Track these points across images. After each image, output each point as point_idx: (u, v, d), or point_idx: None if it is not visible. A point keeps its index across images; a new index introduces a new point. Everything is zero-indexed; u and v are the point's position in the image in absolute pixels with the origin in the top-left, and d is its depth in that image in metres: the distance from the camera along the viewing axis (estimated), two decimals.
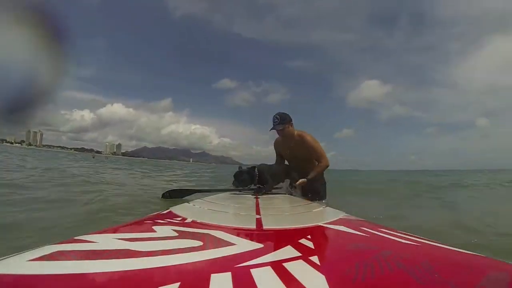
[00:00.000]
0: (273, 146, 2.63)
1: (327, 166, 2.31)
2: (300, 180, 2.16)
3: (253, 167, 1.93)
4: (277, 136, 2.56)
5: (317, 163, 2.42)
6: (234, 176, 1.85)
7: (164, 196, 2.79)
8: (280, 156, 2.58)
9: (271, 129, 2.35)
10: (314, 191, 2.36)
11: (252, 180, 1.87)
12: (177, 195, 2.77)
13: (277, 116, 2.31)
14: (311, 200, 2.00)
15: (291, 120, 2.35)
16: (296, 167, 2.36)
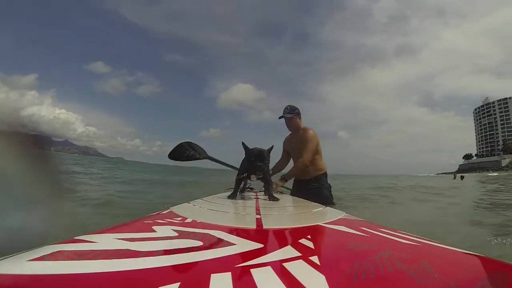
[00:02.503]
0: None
1: (305, 166, 2.24)
2: (276, 182, 2.05)
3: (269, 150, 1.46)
4: (285, 135, 2.55)
5: (317, 159, 2.35)
6: (250, 155, 1.41)
7: (171, 156, 2.10)
8: (286, 153, 2.56)
9: (280, 117, 2.37)
10: (321, 197, 2.25)
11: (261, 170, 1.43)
12: (184, 153, 2.09)
13: (288, 106, 2.35)
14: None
15: (300, 114, 2.37)
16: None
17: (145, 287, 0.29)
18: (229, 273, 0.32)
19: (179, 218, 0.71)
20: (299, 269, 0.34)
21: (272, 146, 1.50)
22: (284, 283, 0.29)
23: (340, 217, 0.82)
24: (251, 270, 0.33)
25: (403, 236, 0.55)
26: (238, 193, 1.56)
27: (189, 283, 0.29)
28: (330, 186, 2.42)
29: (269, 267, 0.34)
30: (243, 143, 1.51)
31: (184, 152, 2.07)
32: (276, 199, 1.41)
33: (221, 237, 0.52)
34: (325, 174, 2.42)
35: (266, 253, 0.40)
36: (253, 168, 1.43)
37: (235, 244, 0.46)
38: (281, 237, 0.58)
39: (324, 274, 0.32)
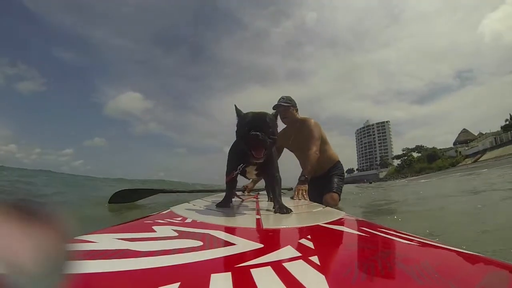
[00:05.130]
0: None
1: (317, 157, 1.90)
2: (301, 187, 1.62)
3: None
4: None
5: (328, 150, 2.15)
6: (243, 123, 0.92)
7: (112, 200, 1.96)
8: (276, 150, 2.26)
9: (274, 106, 2.04)
10: (330, 185, 2.05)
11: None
12: (130, 197, 2.03)
13: (284, 96, 2.11)
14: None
15: (296, 106, 2.14)
16: (302, 161, 2.01)
17: (145, 287, 0.29)
18: (229, 273, 0.32)
19: (179, 218, 0.71)
20: (299, 269, 0.34)
21: (277, 111, 1.02)
22: (284, 283, 0.29)
23: (340, 217, 0.82)
24: (251, 270, 0.33)
25: (403, 236, 0.55)
26: (232, 199, 1.10)
27: (189, 283, 0.29)
28: (344, 174, 2.23)
29: (269, 267, 0.34)
30: (235, 106, 0.99)
31: (129, 195, 2.01)
32: (289, 211, 0.90)
33: (221, 237, 0.52)
34: (339, 162, 2.24)
35: (266, 253, 0.40)
36: (251, 143, 0.87)
37: (235, 244, 0.46)
38: (281, 237, 0.58)
39: (324, 274, 0.32)
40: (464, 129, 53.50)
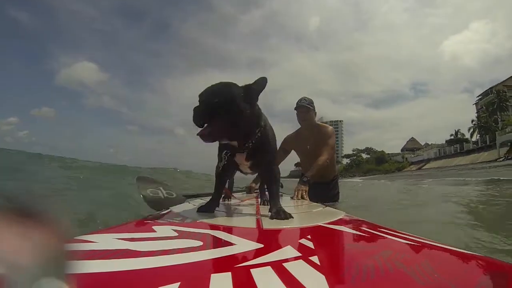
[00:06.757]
0: None
1: (326, 165, 1.90)
2: (301, 188, 1.61)
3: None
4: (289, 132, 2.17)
5: (334, 159, 2.14)
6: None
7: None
8: (282, 153, 2.10)
9: (296, 107, 1.97)
10: (331, 196, 2.09)
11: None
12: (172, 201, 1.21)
13: (305, 97, 1.99)
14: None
15: (315, 110, 2.02)
16: (307, 167, 1.92)
17: (145, 287, 0.29)
18: (229, 273, 0.32)
19: (179, 218, 0.71)
20: (299, 269, 0.34)
21: (264, 79, 0.76)
22: (284, 283, 0.29)
23: (340, 217, 0.82)
24: (251, 270, 0.33)
25: (403, 236, 0.55)
26: (221, 199, 0.89)
27: (189, 283, 0.29)
28: (338, 184, 2.27)
29: (269, 267, 0.34)
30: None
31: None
32: (287, 216, 0.74)
33: (221, 237, 0.52)
34: (338, 174, 2.27)
35: (266, 253, 0.40)
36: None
37: (235, 244, 0.46)
38: (281, 237, 0.58)
39: (324, 274, 0.32)
40: (412, 137, 55.42)
